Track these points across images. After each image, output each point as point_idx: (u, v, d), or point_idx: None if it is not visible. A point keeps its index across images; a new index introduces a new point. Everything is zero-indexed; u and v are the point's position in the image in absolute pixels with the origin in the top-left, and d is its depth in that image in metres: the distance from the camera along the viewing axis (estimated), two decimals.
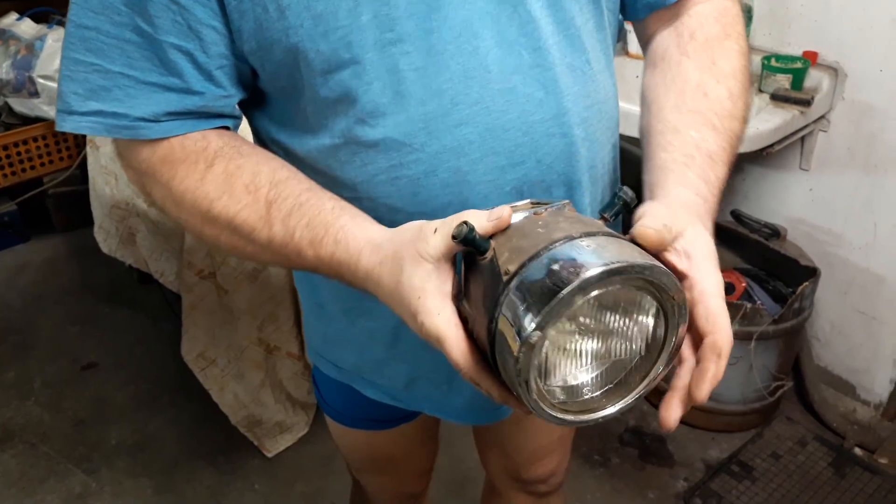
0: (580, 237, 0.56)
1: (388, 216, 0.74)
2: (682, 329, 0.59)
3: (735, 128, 0.77)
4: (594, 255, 0.54)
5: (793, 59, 1.83)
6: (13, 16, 2.41)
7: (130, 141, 0.72)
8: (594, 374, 0.60)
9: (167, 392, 2.17)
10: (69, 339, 2.39)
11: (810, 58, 1.82)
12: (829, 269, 1.97)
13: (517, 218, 0.60)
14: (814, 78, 1.82)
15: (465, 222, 0.56)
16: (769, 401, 1.95)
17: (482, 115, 0.71)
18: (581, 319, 0.57)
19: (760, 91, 1.84)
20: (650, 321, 0.59)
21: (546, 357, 0.56)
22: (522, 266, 0.55)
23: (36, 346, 2.36)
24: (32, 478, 1.92)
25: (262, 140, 0.82)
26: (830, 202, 1.95)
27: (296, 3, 0.66)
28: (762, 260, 2.03)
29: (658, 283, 0.56)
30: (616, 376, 0.61)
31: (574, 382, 0.60)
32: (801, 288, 1.83)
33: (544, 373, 0.57)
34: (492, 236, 0.58)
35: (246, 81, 0.75)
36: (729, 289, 1.98)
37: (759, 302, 1.95)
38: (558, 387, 0.59)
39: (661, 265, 0.56)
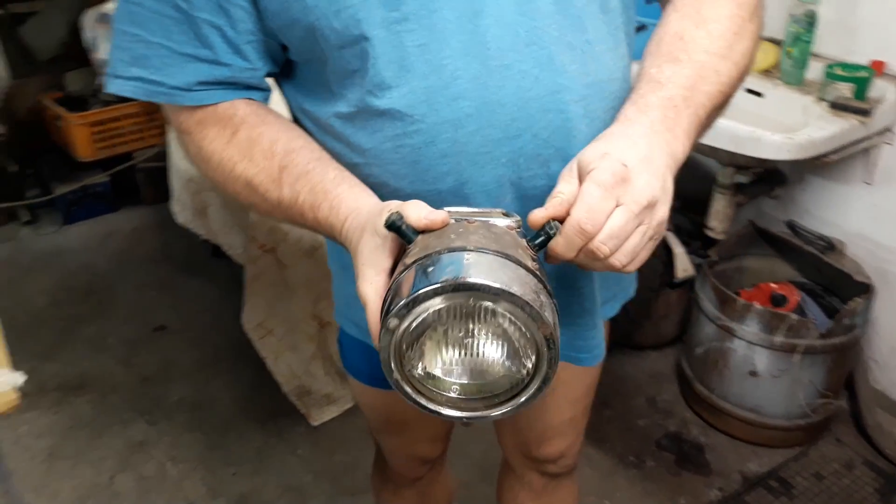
0: (470, 251, 0.61)
1: (393, 182, 0.81)
2: (553, 365, 0.62)
3: (706, 60, 0.77)
4: (464, 269, 0.59)
5: (857, 67, 1.79)
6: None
7: (171, 105, 0.81)
8: (464, 379, 0.65)
9: (227, 357, 2.30)
10: (145, 303, 2.56)
11: (877, 68, 1.79)
12: (890, 288, 1.92)
13: (454, 220, 0.66)
14: (879, 88, 1.78)
15: (397, 212, 0.64)
16: (815, 419, 1.91)
17: (479, 90, 0.76)
18: (446, 323, 0.62)
19: (821, 99, 1.81)
20: (524, 349, 0.63)
21: (411, 341, 0.62)
22: (414, 262, 0.62)
23: (115, 307, 2.55)
24: (101, 423, 2.08)
25: (292, 109, 0.90)
26: (894, 218, 1.89)
27: None
28: (818, 273, 1.99)
29: (522, 310, 0.60)
30: (487, 390, 0.66)
31: (444, 377, 0.65)
32: (851, 303, 1.79)
33: (409, 356, 0.63)
34: (423, 231, 0.65)
35: (276, 56, 0.82)
36: (781, 301, 1.96)
37: (811, 316, 1.92)
38: (426, 373, 0.64)
39: (523, 296, 0.59)
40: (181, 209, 2.39)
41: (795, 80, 1.91)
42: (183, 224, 2.37)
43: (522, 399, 0.64)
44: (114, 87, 0.79)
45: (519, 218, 0.69)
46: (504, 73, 0.76)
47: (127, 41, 0.78)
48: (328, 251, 1.07)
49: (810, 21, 1.85)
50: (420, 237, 0.65)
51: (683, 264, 2.19)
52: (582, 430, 1.23)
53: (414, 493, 1.36)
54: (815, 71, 1.87)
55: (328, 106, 0.82)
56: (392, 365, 0.63)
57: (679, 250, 2.19)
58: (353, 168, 0.82)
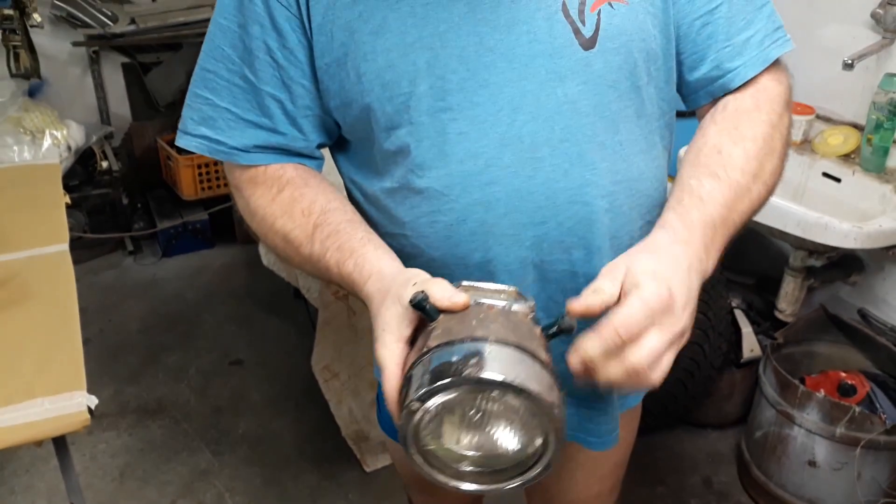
0: (492, 343, 0.65)
1: (427, 253, 0.88)
2: (557, 453, 0.66)
3: (743, 181, 0.81)
4: (486, 363, 0.63)
5: None
6: None
7: (229, 163, 0.91)
8: (474, 454, 0.69)
9: (294, 396, 2.40)
10: (226, 337, 2.71)
11: None
12: None
13: (473, 300, 0.71)
14: None
15: (423, 292, 0.68)
16: None
17: (510, 178, 0.83)
18: (464, 407, 0.66)
19: None
20: (532, 433, 0.66)
21: (429, 421, 0.66)
22: (437, 346, 0.66)
23: (198, 338, 2.71)
24: (170, 448, 2.21)
25: (344, 178, 0.98)
26: None
27: (370, 72, 0.82)
28: (892, 366, 1.91)
29: (536, 406, 0.64)
30: (493, 465, 0.69)
31: (455, 451, 0.69)
32: None
33: (425, 434, 0.66)
34: (445, 311, 0.70)
35: (330, 131, 0.92)
36: (850, 391, 1.89)
37: (881, 409, 1.84)
38: (440, 444, 0.68)
39: (540, 394, 0.63)
40: (266, 252, 2.54)
41: (875, 168, 1.87)
42: (267, 265, 2.51)
43: (527, 478, 0.68)
44: (182, 141, 0.90)
45: (534, 303, 0.73)
46: (536, 164, 0.82)
47: (199, 103, 0.88)
48: None
49: (893, 110, 1.82)
50: (442, 317, 0.69)
51: (751, 344, 2.15)
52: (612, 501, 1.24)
53: None
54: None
55: (374, 180, 0.90)
56: (409, 440, 0.67)
57: (747, 329, 2.15)
58: (392, 237, 0.89)
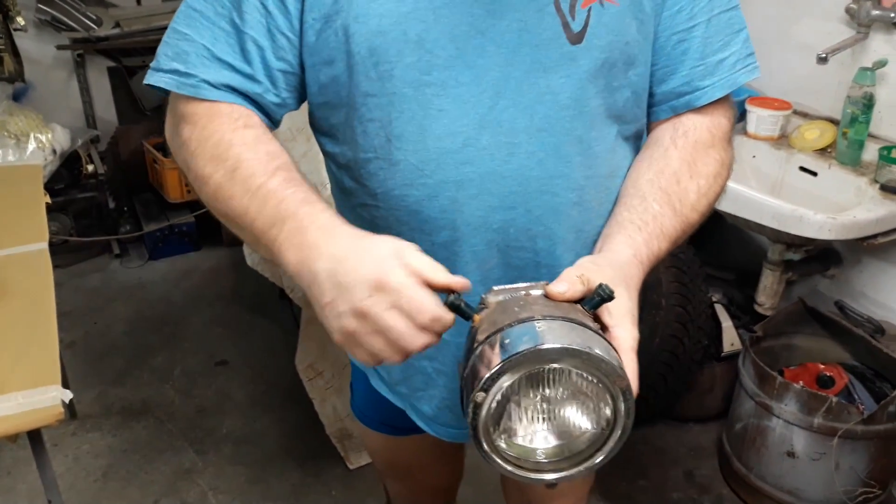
0: (539, 320, 0.66)
1: (395, 226, 0.88)
2: (630, 415, 0.66)
3: (691, 217, 0.86)
4: (540, 337, 0.63)
5: None
6: None
7: (187, 99, 0.83)
8: (548, 442, 0.69)
9: (279, 395, 2.40)
10: (211, 338, 2.71)
11: None
12: None
13: (509, 296, 0.72)
14: None
15: (457, 294, 0.68)
16: None
17: (486, 160, 0.83)
18: (529, 390, 0.66)
19: (875, 181, 1.79)
20: (599, 405, 0.67)
21: (498, 413, 0.66)
22: (487, 337, 0.67)
23: (184, 340, 2.71)
24: (154, 448, 2.21)
25: (320, 147, 0.96)
26: None
27: (359, 34, 0.81)
28: (870, 358, 1.93)
29: (598, 368, 0.64)
30: (570, 449, 0.69)
31: (528, 444, 0.69)
32: None
33: (496, 424, 0.66)
34: (482, 308, 0.71)
35: (301, 95, 0.89)
36: (828, 382, 1.90)
37: (858, 401, 1.86)
38: (512, 441, 0.68)
39: (601, 354, 0.63)
40: (250, 252, 2.54)
41: (851, 161, 1.89)
42: (251, 266, 2.51)
43: (607, 449, 0.69)
44: (151, 78, 0.84)
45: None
46: (511, 149, 0.84)
47: (175, 39, 0.84)
48: None
49: (868, 103, 1.84)
50: (484, 313, 0.70)
51: (731, 338, 2.16)
52: (584, 494, 1.25)
53: None
54: (873, 152, 1.85)
55: (347, 148, 0.89)
56: (481, 437, 0.66)
57: (727, 324, 2.16)
58: (363, 208, 0.90)
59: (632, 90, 0.88)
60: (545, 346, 0.62)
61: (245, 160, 0.79)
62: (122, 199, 3.36)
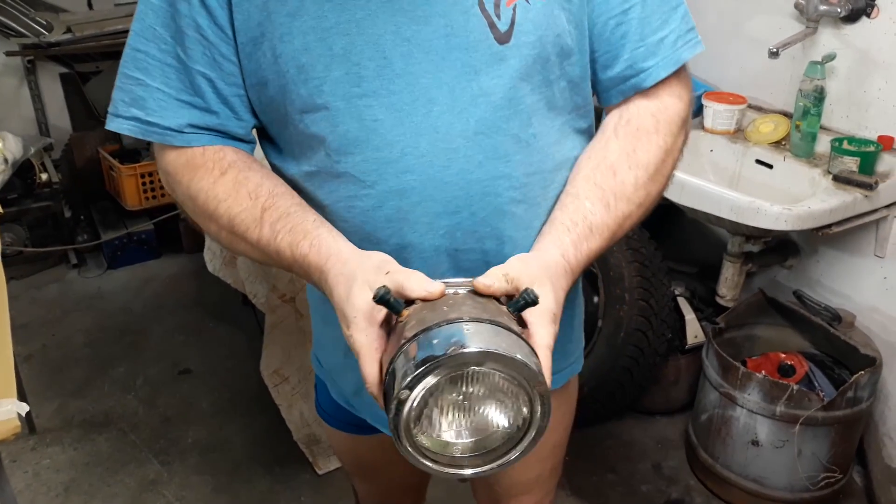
0: (466, 321, 0.67)
1: (347, 237, 0.87)
2: (546, 417, 0.68)
3: (628, 210, 0.86)
4: (467, 339, 0.65)
5: (866, 142, 1.81)
6: None
7: (162, 146, 0.88)
8: (465, 438, 0.71)
9: (244, 402, 2.38)
10: (174, 346, 2.67)
11: (885, 143, 1.80)
12: None
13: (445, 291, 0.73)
14: (887, 163, 1.79)
15: (384, 287, 0.70)
16: (820, 493, 1.87)
17: (425, 167, 0.84)
18: (451, 389, 0.68)
19: (828, 172, 1.82)
20: (518, 405, 0.69)
21: (419, 410, 0.67)
22: (415, 336, 0.67)
23: (145, 349, 2.66)
24: (117, 461, 2.16)
25: (268, 162, 0.98)
26: None
27: (286, 53, 0.82)
28: (829, 345, 1.97)
29: (519, 373, 0.66)
30: (486, 445, 0.72)
31: (446, 439, 0.70)
32: (855, 376, 1.76)
33: (416, 420, 0.67)
34: (413, 302, 0.71)
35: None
36: (789, 371, 1.94)
37: (819, 388, 1.89)
38: (430, 437, 0.69)
39: (523, 359, 0.65)
40: (211, 258, 2.51)
41: (804, 153, 1.93)
42: (213, 272, 2.48)
43: (522, 447, 0.71)
44: (113, 125, 0.87)
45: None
46: (450, 155, 0.83)
47: (129, 84, 0.86)
48: (307, 291, 1.14)
49: (819, 96, 1.88)
50: (413, 308, 0.71)
51: (695, 330, 2.19)
52: (551, 488, 1.25)
53: None
54: (825, 144, 1.89)
55: (292, 163, 0.90)
56: (401, 434, 0.67)
57: (690, 316, 2.19)
58: None
59: (567, 80, 0.88)
60: (470, 350, 0.64)
61: (234, 216, 0.84)
62: (79, 208, 3.30)
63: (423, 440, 0.69)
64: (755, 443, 1.85)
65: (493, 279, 0.73)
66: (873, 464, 1.98)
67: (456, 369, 0.66)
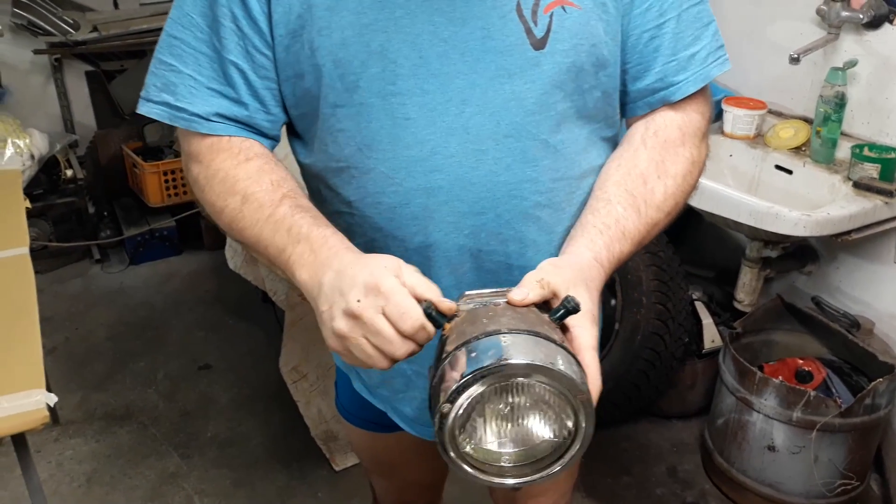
0: (505, 333, 0.67)
1: (370, 233, 0.90)
2: (591, 425, 0.68)
3: (656, 218, 0.87)
4: (504, 351, 0.66)
5: (886, 148, 1.81)
6: None
7: (186, 132, 0.89)
8: (510, 448, 0.71)
9: (263, 398, 2.40)
10: (194, 342, 2.71)
11: None
12: None
13: (478, 303, 0.74)
14: None
15: (427, 301, 0.71)
16: (836, 500, 1.86)
17: (454, 167, 0.85)
18: (493, 399, 0.68)
19: (848, 179, 1.82)
20: (560, 415, 0.69)
21: (462, 421, 0.67)
22: (455, 349, 0.68)
23: (166, 344, 2.70)
24: (138, 453, 2.20)
25: (295, 157, 0.99)
26: None
27: (324, 47, 0.83)
28: (847, 352, 1.96)
29: (560, 382, 0.66)
30: (531, 455, 0.71)
31: (492, 449, 0.71)
32: (873, 384, 1.76)
33: (461, 429, 0.68)
34: (454, 317, 0.72)
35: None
36: (806, 377, 1.94)
37: (836, 394, 1.89)
38: (476, 447, 0.70)
39: (563, 370, 0.65)
40: (232, 255, 2.54)
41: (824, 159, 1.93)
42: (233, 269, 2.51)
43: (567, 458, 0.71)
44: (143, 108, 0.88)
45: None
46: (479, 156, 0.85)
47: (162, 69, 0.87)
48: None
49: (840, 102, 1.88)
50: (454, 322, 0.72)
51: (711, 335, 2.19)
52: (567, 490, 1.26)
53: None
54: (845, 150, 1.89)
55: (321, 157, 0.91)
56: (447, 445, 0.68)
57: (707, 321, 2.19)
58: (338, 215, 0.91)
59: (601, 90, 0.90)
60: (510, 362, 0.65)
61: (252, 193, 0.83)
62: (102, 204, 3.34)
63: (469, 450, 0.70)
64: (771, 448, 1.86)
65: (529, 288, 0.73)
66: (891, 471, 1.98)
67: (495, 381, 0.66)
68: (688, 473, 2.11)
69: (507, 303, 0.73)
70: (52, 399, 1.24)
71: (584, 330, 0.73)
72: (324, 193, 0.93)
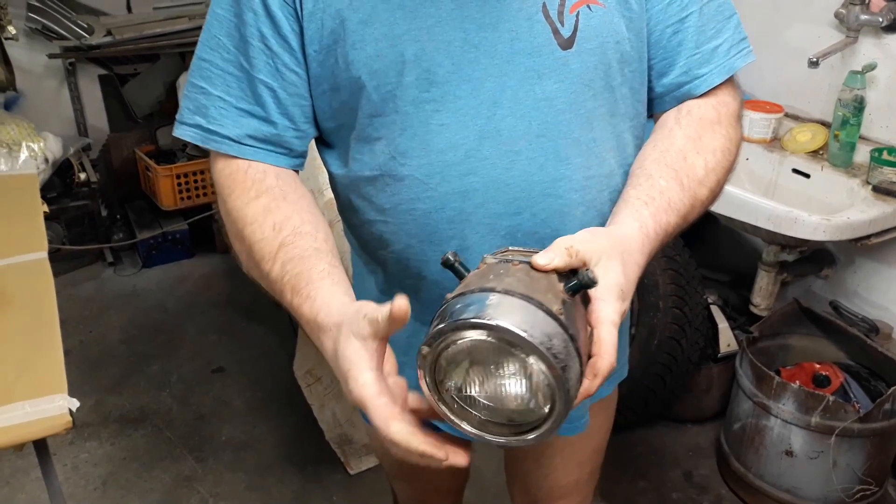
0: (497, 292, 0.66)
1: (405, 239, 0.90)
2: (564, 406, 0.65)
3: (700, 193, 0.85)
4: (484, 310, 0.64)
5: None
6: None
7: (216, 154, 0.91)
8: (490, 404, 0.69)
9: (277, 402, 2.41)
10: (207, 345, 2.71)
11: None
12: None
13: (500, 260, 0.72)
14: None
15: (454, 252, 0.71)
16: None
17: (488, 169, 0.85)
18: (478, 354, 0.66)
19: (867, 182, 1.81)
20: (539, 386, 0.66)
21: (450, 367, 0.67)
22: (452, 298, 0.68)
23: (180, 347, 2.70)
24: (153, 456, 2.20)
25: (327, 169, 0.99)
26: None
27: (359, 60, 0.84)
28: (865, 357, 1.95)
29: (534, 353, 0.63)
30: (511, 418, 0.69)
31: (474, 397, 0.69)
32: (893, 388, 1.75)
33: (444, 376, 0.67)
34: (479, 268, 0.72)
35: (316, 122, 0.92)
36: (824, 382, 1.93)
37: (854, 399, 1.88)
38: (459, 397, 0.69)
39: (530, 341, 0.63)
40: None
41: (843, 163, 1.92)
42: (246, 272, 2.51)
43: (541, 431, 0.68)
44: (178, 131, 0.90)
45: None
46: (513, 157, 0.85)
47: (194, 93, 0.89)
48: (353, 276, 1.14)
49: (858, 106, 1.87)
50: (471, 273, 0.71)
51: (727, 339, 2.18)
52: (588, 493, 1.26)
53: None
54: (864, 154, 1.88)
55: (355, 167, 0.91)
56: (428, 386, 0.68)
57: (723, 325, 2.19)
58: (372, 224, 0.92)
59: (628, 86, 0.90)
60: (483, 321, 0.63)
61: (255, 243, 0.84)
62: (115, 207, 3.35)
63: (452, 393, 0.68)
64: (789, 453, 1.85)
65: (555, 254, 0.70)
66: None
67: (477, 336, 0.64)
68: (704, 478, 2.10)
69: (530, 265, 0.71)
70: (75, 404, 1.24)
71: (606, 304, 0.70)
72: (356, 203, 0.93)
